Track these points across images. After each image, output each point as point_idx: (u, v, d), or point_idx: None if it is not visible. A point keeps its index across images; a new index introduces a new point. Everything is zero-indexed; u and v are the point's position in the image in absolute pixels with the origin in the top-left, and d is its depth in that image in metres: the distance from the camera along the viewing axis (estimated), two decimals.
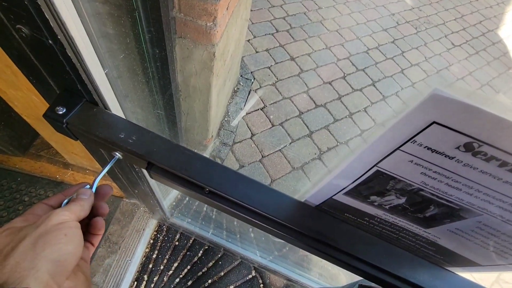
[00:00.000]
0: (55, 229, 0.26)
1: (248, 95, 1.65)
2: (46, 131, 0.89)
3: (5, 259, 0.23)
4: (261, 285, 1.16)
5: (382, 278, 0.39)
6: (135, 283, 1.06)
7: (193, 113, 1.07)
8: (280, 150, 1.50)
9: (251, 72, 1.75)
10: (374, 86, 1.90)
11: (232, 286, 1.13)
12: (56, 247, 0.25)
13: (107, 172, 0.79)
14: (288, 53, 1.90)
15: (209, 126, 1.18)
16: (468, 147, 0.20)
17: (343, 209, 0.38)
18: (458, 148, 0.21)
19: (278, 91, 1.71)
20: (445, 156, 0.22)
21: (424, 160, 0.23)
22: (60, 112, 0.34)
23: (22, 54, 0.35)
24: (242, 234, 1.27)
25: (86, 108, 0.35)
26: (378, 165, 0.26)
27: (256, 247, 1.26)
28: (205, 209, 1.28)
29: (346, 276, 1.36)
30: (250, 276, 1.16)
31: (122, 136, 0.35)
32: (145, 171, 0.61)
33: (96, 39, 0.33)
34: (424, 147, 0.22)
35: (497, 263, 0.34)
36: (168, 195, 1.13)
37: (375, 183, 0.29)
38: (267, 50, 1.88)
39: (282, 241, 1.29)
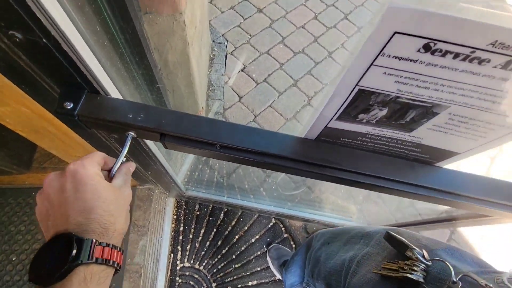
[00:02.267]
0: None
1: (226, 59, 1.63)
2: (45, 140, 0.90)
3: None
4: (283, 228, 1.28)
5: (382, 185, 0.45)
6: (172, 255, 1.17)
7: (179, 89, 1.08)
8: (270, 105, 1.53)
9: (223, 35, 1.70)
10: (347, 19, 1.87)
11: (258, 236, 1.25)
12: None
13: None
14: (253, 5, 1.83)
15: (197, 98, 1.20)
16: (426, 48, 0.24)
17: (338, 135, 0.43)
18: (418, 50, 0.25)
19: (254, 48, 1.69)
20: (410, 61, 0.26)
21: (395, 69, 0.28)
22: (69, 107, 0.37)
23: (12, 63, 0.36)
24: (254, 192, 1.37)
25: (90, 98, 0.38)
26: (359, 84, 0.31)
27: (269, 200, 1.36)
28: (215, 178, 1.35)
29: (356, 205, 1.49)
30: (271, 224, 1.28)
31: (131, 116, 0.38)
32: (155, 150, 0.65)
33: (83, 30, 0.35)
34: (393, 57, 0.26)
35: (471, 147, 0.40)
36: (180, 171, 1.19)
37: (359, 102, 0.34)
38: (232, 7, 1.80)
39: (293, 192, 1.38)
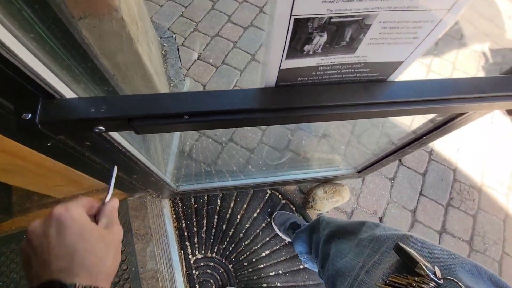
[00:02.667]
0: None
1: (179, 52, 1.60)
2: (17, 178, 0.87)
3: None
4: (279, 196, 1.33)
5: (344, 111, 0.49)
6: (182, 251, 1.19)
7: (139, 91, 1.06)
8: (235, 85, 1.54)
9: (168, 29, 1.66)
10: None
11: (258, 210, 1.29)
12: None
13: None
14: None
15: None
16: None
17: (294, 76, 0.45)
18: None
19: (203, 33, 1.66)
20: None
21: None
22: (28, 118, 0.36)
23: None
24: (243, 170, 1.40)
25: (46, 104, 0.38)
26: (293, 14, 0.33)
27: (260, 174, 1.40)
28: (202, 169, 1.36)
29: (340, 155, 1.56)
30: (267, 195, 1.32)
31: (93, 110, 0.38)
32: (132, 150, 0.66)
33: (22, 39, 0.34)
34: None
35: (410, 51, 0.44)
36: (166, 171, 1.19)
37: (300, 33, 0.36)
38: None
39: (280, 161, 1.42)
